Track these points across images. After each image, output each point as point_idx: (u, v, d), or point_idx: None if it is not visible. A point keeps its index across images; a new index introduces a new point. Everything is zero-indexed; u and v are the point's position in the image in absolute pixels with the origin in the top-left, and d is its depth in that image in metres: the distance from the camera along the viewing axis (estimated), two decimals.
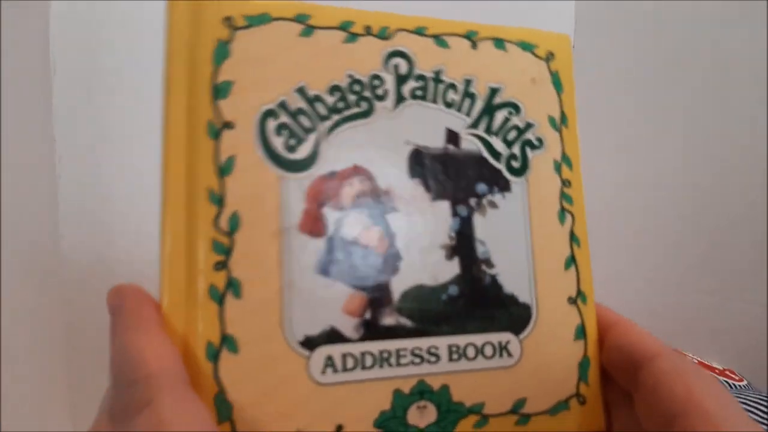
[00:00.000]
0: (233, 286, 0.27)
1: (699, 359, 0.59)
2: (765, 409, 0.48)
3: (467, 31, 0.32)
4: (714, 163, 0.64)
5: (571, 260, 0.32)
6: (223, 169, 0.27)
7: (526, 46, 0.33)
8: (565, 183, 0.33)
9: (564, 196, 0.32)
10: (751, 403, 0.49)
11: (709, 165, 0.64)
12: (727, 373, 0.57)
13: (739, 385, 0.54)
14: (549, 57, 0.33)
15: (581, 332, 0.32)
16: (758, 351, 0.60)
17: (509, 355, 0.30)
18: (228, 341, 0.26)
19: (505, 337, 0.30)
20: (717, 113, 0.63)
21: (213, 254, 0.27)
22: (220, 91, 0.28)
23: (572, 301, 0.32)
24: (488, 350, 0.30)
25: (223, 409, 0.26)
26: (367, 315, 0.28)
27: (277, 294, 0.27)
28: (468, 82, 0.32)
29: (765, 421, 0.47)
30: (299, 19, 0.29)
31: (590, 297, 0.32)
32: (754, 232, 0.61)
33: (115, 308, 0.26)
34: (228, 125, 0.28)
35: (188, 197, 0.27)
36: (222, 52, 0.28)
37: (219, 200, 0.27)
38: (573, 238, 0.32)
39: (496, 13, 0.60)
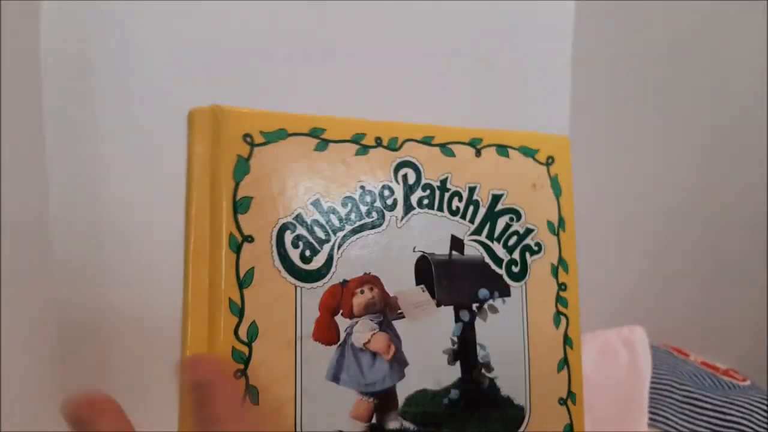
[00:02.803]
0: (251, 392, 0.28)
1: (702, 359, 0.58)
2: (766, 411, 0.47)
3: (471, 138, 0.34)
4: (716, 163, 0.63)
5: (564, 362, 0.34)
6: (244, 281, 0.29)
7: (528, 152, 0.35)
8: (561, 287, 0.35)
9: (560, 300, 0.34)
10: (754, 405, 0.48)
11: (711, 165, 0.64)
12: (731, 373, 0.56)
13: (742, 386, 0.53)
14: (549, 161, 0.35)
15: (569, 431, 0.33)
16: (760, 351, 0.61)
17: None
18: None
19: None
20: (717, 113, 0.63)
21: (233, 363, 0.28)
22: (240, 206, 0.29)
23: (563, 402, 0.34)
24: None
25: None
26: (374, 419, 0.30)
27: (291, 401, 0.29)
28: (472, 190, 0.33)
29: (766, 424, 0.46)
30: (314, 133, 0.31)
31: (580, 397, 0.34)
32: (757, 232, 0.62)
33: (86, 422, 0.25)
34: (248, 239, 0.29)
35: (211, 308, 0.28)
36: (242, 168, 0.29)
37: (239, 311, 0.28)
38: (567, 340, 0.34)
39: (497, 14, 0.59)
